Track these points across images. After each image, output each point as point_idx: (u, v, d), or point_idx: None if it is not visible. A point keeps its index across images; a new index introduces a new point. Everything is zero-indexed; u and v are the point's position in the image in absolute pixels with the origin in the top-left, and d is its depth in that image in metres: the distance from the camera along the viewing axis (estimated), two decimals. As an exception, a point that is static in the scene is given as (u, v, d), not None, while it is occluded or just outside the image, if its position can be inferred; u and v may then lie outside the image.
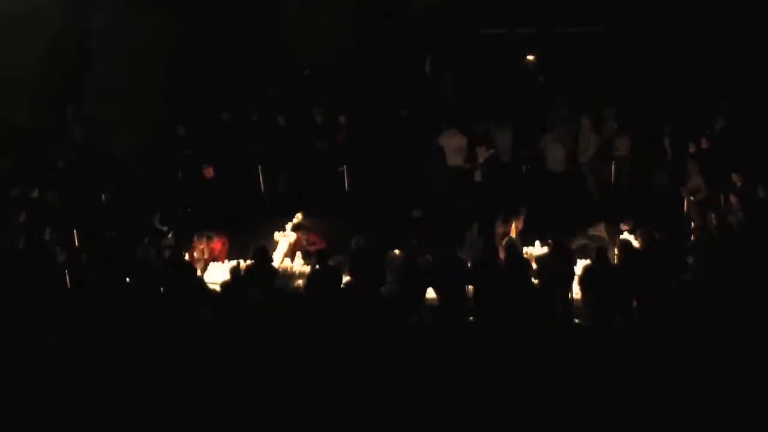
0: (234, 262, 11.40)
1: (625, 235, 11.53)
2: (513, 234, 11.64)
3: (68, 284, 11.06)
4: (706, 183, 12.43)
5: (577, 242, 11.98)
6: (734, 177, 11.91)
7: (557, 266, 10.48)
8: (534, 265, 10.77)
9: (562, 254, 10.66)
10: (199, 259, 11.84)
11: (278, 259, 12.10)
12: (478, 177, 14.04)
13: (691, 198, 12.75)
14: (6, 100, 14.11)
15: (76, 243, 12.50)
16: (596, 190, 14.31)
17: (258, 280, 10.65)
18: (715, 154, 13.00)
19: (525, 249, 11.48)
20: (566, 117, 14.59)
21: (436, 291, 10.54)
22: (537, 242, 11.82)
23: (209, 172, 13.88)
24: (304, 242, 12.49)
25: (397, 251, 11.63)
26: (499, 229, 11.73)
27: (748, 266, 10.42)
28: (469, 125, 14.57)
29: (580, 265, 10.84)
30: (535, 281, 10.47)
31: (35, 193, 12.95)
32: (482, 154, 13.99)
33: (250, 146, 14.85)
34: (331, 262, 10.82)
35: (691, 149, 13.23)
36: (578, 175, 14.36)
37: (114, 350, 10.11)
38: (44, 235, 12.06)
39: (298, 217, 13.32)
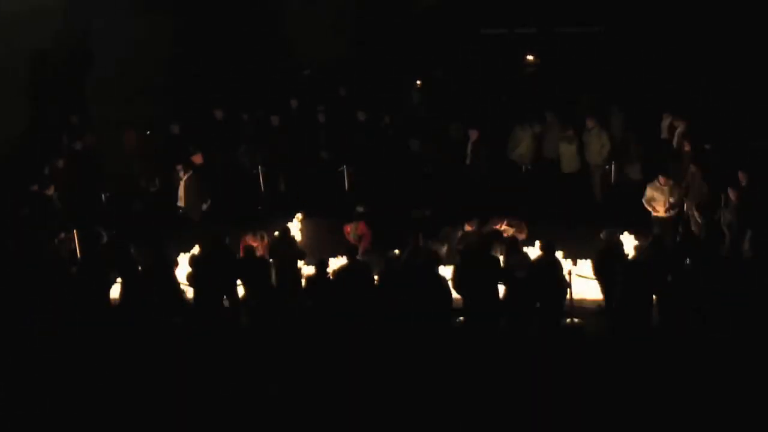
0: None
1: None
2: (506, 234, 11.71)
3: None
4: (707, 183, 12.36)
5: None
6: (740, 176, 11.83)
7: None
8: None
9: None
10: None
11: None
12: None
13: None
14: (6, 100, 14.11)
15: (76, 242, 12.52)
16: (601, 190, 14.27)
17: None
18: (715, 153, 12.98)
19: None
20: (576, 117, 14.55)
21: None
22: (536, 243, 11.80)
23: (198, 159, 13.89)
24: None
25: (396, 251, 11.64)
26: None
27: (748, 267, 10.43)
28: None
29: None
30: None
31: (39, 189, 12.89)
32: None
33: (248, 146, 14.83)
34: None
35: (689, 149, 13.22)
36: (585, 176, 14.29)
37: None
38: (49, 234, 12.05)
39: (298, 217, 13.33)
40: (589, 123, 14.05)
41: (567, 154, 14.14)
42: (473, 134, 14.21)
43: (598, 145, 13.96)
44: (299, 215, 13.37)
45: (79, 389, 9.74)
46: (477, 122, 14.50)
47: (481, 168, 14.26)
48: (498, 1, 17.36)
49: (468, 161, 14.29)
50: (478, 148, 14.19)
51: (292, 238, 11.72)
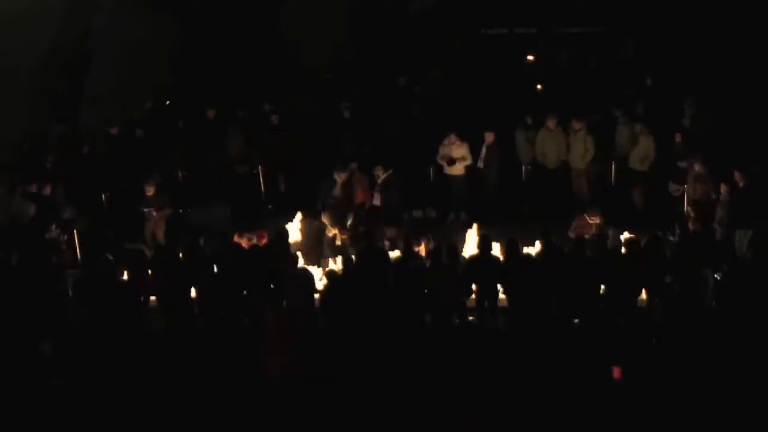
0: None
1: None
2: None
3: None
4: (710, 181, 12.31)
5: None
6: (737, 176, 11.81)
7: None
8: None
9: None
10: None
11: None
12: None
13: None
14: (7, 101, 14.12)
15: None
16: (588, 190, 14.04)
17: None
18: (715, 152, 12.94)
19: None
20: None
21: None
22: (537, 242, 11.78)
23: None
24: None
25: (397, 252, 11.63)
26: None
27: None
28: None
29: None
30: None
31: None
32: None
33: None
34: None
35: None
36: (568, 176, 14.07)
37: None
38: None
39: (299, 217, 13.30)
40: (576, 125, 13.69)
41: (550, 149, 13.93)
42: (489, 137, 13.98)
43: (581, 149, 13.66)
44: (299, 215, 13.34)
45: (79, 390, 9.76)
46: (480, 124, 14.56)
47: (494, 170, 14.15)
48: (498, 1, 17.35)
49: (481, 164, 14.10)
50: (493, 152, 13.99)
51: (288, 244, 11.54)
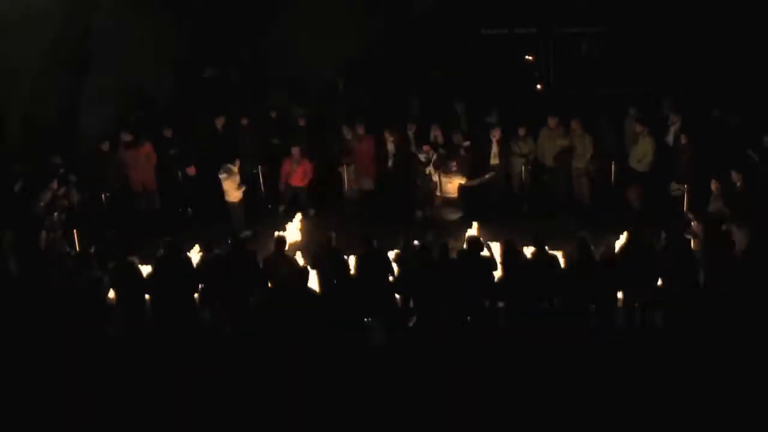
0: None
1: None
2: None
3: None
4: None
5: None
6: (734, 176, 11.81)
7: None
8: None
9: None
10: None
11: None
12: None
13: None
14: (7, 101, 14.12)
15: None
16: (589, 190, 14.13)
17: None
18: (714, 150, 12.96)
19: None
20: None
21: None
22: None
23: (191, 170, 14.10)
24: None
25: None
26: None
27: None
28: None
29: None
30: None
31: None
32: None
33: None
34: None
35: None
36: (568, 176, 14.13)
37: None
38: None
39: (299, 217, 13.34)
40: (574, 125, 13.84)
41: (549, 148, 14.00)
42: (496, 133, 14.04)
43: (581, 149, 13.79)
44: (299, 215, 13.37)
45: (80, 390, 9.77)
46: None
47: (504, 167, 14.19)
48: (498, 1, 17.38)
49: (497, 161, 14.10)
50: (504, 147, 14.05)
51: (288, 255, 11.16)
